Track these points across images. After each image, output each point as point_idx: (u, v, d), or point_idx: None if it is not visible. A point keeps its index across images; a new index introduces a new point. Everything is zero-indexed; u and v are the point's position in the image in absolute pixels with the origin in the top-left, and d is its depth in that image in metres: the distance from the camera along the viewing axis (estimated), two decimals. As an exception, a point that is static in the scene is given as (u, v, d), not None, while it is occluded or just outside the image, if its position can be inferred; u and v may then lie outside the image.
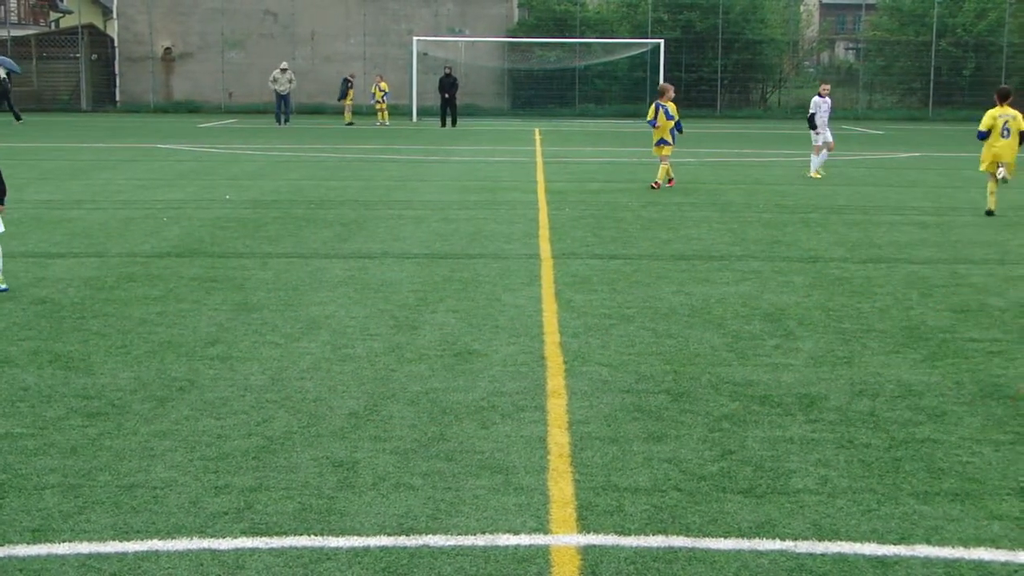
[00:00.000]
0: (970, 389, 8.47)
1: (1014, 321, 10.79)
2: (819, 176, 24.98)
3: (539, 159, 29.66)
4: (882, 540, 5.74)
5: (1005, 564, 5.50)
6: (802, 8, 62.09)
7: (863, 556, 5.56)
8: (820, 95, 26.07)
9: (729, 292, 12.03)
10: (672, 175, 22.76)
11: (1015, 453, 7.05)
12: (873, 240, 15.89)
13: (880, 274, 13.24)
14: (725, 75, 55.56)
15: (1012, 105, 19.14)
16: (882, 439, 7.28)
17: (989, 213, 18.72)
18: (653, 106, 22.77)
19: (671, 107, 22.54)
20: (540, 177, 24.57)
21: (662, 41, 50.14)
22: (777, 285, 12.45)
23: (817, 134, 25.56)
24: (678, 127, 22.75)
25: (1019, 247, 15.44)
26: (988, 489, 6.44)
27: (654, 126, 22.67)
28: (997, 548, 5.66)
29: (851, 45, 69.24)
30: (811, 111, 25.87)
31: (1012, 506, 6.19)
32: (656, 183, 22.31)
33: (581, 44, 53.86)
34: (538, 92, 55.00)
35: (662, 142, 22.56)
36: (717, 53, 54.81)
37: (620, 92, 55.35)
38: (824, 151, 25.47)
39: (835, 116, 53.54)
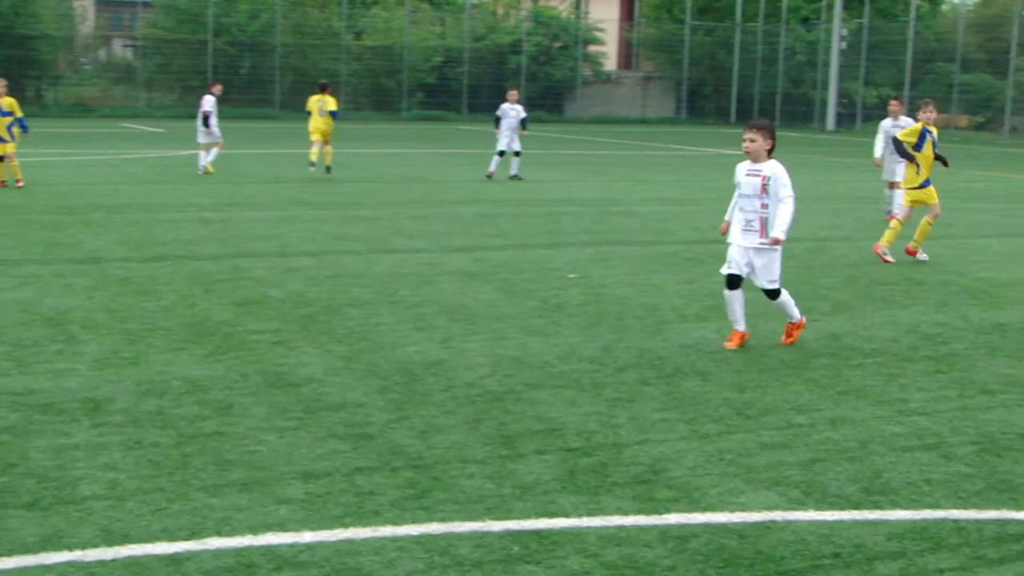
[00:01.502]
0: (255, 380, 8.70)
1: (293, 311, 11.23)
2: (212, 171, 25.96)
3: None
4: (173, 538, 5.73)
5: (292, 545, 5.69)
6: (76, 4, 60.70)
7: (154, 556, 5.53)
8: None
9: (8, 298, 11.50)
10: (19, 175, 22.25)
11: (298, 438, 7.33)
12: (156, 238, 15.89)
13: (164, 272, 13.26)
14: (-3, 71, 53.07)
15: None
16: (171, 437, 7.29)
17: (312, 164, 26.19)
18: None
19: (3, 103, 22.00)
20: None
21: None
22: (58, 288, 12.09)
23: (209, 133, 26.24)
24: (21, 124, 22.18)
25: (297, 240, 16.09)
26: (274, 475, 6.64)
27: None
28: (284, 531, 5.85)
29: (129, 43, 68.75)
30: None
31: (296, 489, 6.43)
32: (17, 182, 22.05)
33: None
34: None
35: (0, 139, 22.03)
36: (-11, 47, 52.36)
37: None
38: (216, 148, 26.49)
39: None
